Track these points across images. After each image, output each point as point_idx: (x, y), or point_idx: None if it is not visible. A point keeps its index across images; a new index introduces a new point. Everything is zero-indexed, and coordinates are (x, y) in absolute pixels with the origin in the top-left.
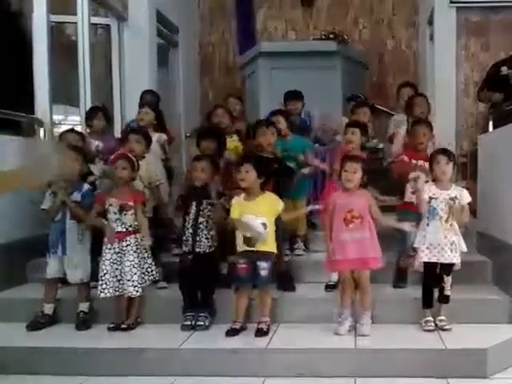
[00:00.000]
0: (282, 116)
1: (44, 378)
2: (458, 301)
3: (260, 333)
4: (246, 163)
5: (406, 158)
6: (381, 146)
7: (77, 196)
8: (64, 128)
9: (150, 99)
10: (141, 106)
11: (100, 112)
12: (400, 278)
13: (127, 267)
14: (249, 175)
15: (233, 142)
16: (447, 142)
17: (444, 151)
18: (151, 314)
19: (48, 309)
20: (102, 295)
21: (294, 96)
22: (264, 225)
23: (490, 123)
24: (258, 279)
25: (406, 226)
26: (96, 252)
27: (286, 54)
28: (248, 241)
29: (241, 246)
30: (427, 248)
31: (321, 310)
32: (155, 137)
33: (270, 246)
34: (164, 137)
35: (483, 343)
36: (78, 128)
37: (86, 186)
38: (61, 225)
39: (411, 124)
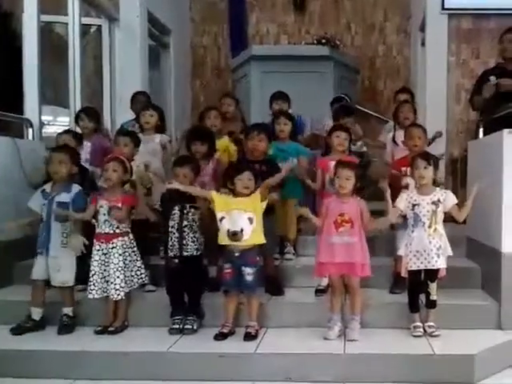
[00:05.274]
0: (289, 119)
1: (30, 381)
2: (446, 306)
3: (248, 337)
4: (248, 171)
5: (394, 172)
6: (364, 149)
7: (65, 197)
8: (55, 129)
9: (145, 100)
10: (144, 108)
11: (89, 114)
12: (397, 283)
13: (111, 269)
14: (252, 183)
15: (224, 143)
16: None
17: (423, 155)
18: (139, 317)
19: (36, 314)
20: (90, 296)
21: (280, 96)
22: (250, 219)
23: (480, 130)
24: (243, 284)
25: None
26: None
27: (278, 58)
28: (232, 235)
29: (225, 240)
30: (414, 255)
31: (310, 314)
32: (157, 138)
33: (256, 239)
34: (166, 138)
35: (471, 349)
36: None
37: (76, 188)
38: (47, 225)
39: (406, 127)
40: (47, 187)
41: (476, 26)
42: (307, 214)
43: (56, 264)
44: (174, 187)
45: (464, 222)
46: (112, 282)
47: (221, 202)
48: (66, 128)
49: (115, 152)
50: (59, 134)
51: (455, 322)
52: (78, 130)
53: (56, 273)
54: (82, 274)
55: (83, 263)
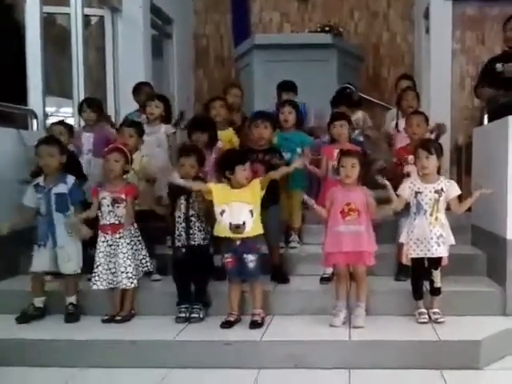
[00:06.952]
0: (294, 108)
1: (37, 369)
2: (451, 293)
3: (254, 325)
4: (248, 161)
5: (396, 160)
6: (361, 138)
7: (63, 188)
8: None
9: (149, 90)
10: (149, 98)
11: (91, 104)
12: (402, 270)
13: (121, 259)
14: (250, 172)
15: (228, 135)
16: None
17: (424, 145)
18: (145, 306)
19: (38, 302)
20: (95, 287)
21: (288, 87)
22: (251, 212)
23: (485, 116)
24: (246, 272)
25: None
26: (89, 244)
27: (281, 47)
28: (236, 228)
29: (226, 233)
30: (414, 243)
31: (315, 301)
32: (163, 128)
33: (256, 229)
34: (171, 129)
35: (477, 335)
36: (71, 120)
37: (71, 179)
38: (48, 217)
39: (408, 114)
40: (40, 180)
41: (480, 13)
42: (311, 203)
43: (65, 253)
44: (173, 181)
45: (469, 209)
46: (123, 272)
47: (220, 195)
48: (60, 119)
49: (116, 142)
50: (53, 124)
51: (461, 309)
52: (82, 120)
53: (66, 263)
54: (87, 264)
55: (87, 254)
